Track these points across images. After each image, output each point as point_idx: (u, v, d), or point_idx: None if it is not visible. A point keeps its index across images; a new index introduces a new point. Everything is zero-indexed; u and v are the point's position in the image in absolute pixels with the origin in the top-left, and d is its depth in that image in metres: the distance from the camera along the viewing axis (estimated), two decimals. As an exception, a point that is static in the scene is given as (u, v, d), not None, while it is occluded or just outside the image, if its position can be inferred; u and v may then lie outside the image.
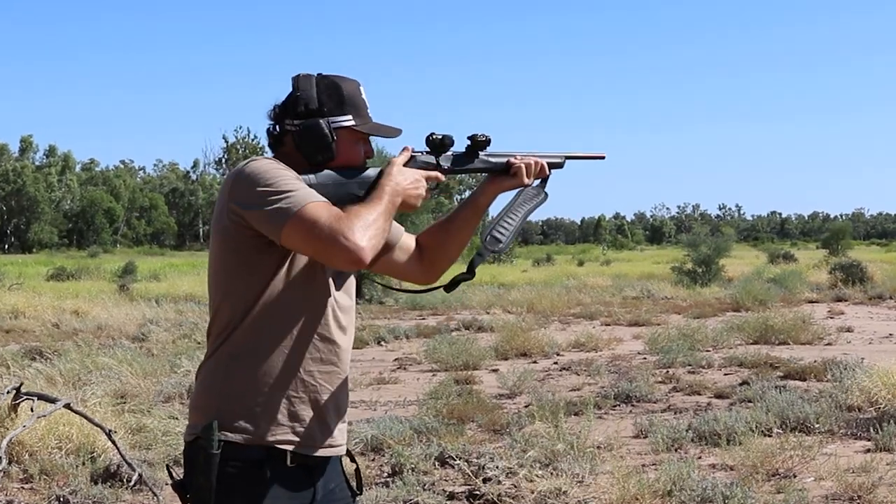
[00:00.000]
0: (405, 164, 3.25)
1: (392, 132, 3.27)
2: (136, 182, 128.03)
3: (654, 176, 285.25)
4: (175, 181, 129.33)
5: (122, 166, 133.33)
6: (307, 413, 3.11)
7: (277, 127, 3.21)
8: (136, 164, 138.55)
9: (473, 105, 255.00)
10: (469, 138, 3.37)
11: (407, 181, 3.17)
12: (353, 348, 3.32)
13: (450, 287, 3.45)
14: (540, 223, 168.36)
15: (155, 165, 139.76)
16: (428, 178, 3.27)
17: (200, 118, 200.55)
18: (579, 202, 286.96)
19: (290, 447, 3.08)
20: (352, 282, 3.28)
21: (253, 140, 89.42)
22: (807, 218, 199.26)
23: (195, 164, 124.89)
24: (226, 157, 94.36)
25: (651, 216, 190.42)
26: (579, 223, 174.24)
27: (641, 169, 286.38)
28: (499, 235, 3.35)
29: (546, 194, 3.46)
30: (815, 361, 13.78)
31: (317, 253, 2.96)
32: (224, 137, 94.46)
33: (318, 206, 2.94)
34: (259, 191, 2.97)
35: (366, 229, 2.94)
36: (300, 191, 2.97)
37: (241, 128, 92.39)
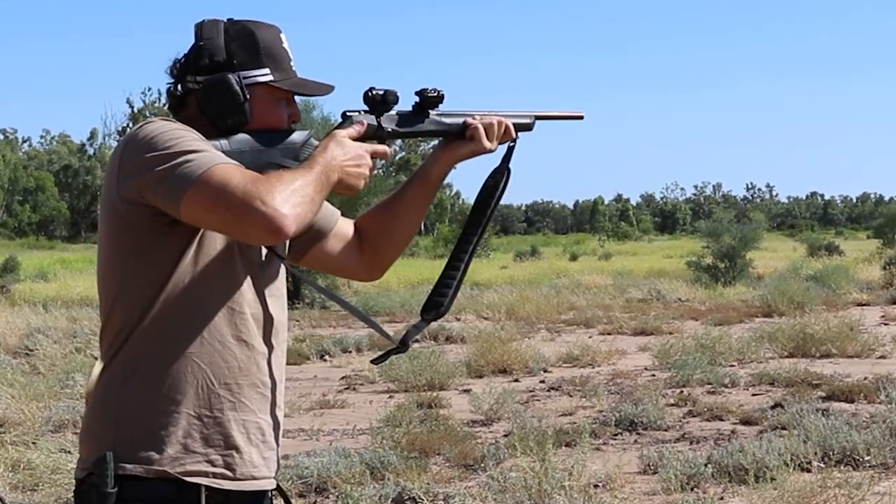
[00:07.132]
0: (356, 140, 3.20)
1: (321, 89, 3.26)
2: (19, 158, 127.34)
3: (666, 149, 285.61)
4: (67, 157, 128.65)
5: (0, 138, 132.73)
6: (225, 437, 3.08)
7: (179, 86, 3.20)
8: (19, 135, 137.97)
9: (426, 57, 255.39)
10: (417, 94, 3.36)
11: (346, 156, 3.11)
12: (290, 363, 3.30)
13: (378, 359, 3.49)
14: (523, 207, 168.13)
15: (42, 137, 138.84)
16: (374, 154, 3.22)
17: (99, 78, 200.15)
18: (571, 182, 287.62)
19: (203, 480, 3.05)
20: (281, 273, 3.26)
21: (164, 105, 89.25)
22: (855, 201, 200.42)
23: (92, 136, 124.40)
24: (130, 126, 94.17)
25: (661, 199, 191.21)
26: (572, 208, 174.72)
27: (649, 140, 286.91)
28: (440, 298, 3.36)
29: (509, 170, 3.45)
30: (865, 378, 13.87)
31: (226, 223, 2.91)
32: (129, 102, 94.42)
33: (227, 168, 2.91)
34: (153, 156, 2.93)
35: (290, 195, 2.88)
36: (205, 152, 2.94)
37: (149, 90, 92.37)
